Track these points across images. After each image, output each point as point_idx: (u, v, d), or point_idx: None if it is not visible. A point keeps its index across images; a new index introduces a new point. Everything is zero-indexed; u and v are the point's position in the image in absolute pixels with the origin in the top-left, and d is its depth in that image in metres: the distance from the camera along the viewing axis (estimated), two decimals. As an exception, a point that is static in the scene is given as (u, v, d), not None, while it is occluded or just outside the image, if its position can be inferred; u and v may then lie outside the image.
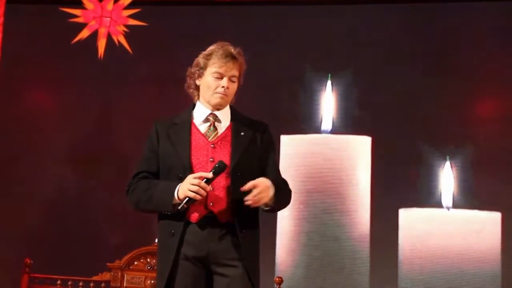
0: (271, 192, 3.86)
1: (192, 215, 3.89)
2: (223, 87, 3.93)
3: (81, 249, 6.20)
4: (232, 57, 3.95)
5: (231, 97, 4.00)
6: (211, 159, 3.90)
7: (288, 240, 5.56)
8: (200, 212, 3.89)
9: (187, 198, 3.80)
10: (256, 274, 3.93)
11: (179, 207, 3.80)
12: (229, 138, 3.96)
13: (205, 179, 3.80)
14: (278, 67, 6.29)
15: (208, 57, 3.97)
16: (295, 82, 6.22)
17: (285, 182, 4.04)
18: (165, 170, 3.95)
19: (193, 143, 3.94)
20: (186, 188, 3.80)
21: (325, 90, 5.88)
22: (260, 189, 3.83)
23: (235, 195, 3.87)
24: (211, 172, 3.82)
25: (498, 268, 5.35)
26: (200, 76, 3.99)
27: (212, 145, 3.94)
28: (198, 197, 3.79)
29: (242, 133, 3.97)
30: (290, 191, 4.07)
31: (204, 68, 3.97)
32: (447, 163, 5.64)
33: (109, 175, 6.29)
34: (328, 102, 5.83)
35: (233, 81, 3.97)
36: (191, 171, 3.87)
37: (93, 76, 6.45)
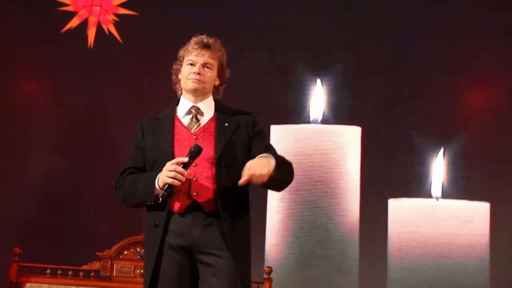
0: (271, 162, 3.81)
1: (176, 205, 3.91)
2: (194, 72, 3.96)
3: (70, 238, 6.20)
4: (203, 45, 4.02)
5: (208, 85, 4.02)
6: None
7: (277, 230, 5.57)
8: (183, 202, 3.90)
9: (166, 185, 3.81)
10: (246, 264, 3.93)
11: (160, 195, 3.82)
12: (212, 129, 3.99)
13: (182, 164, 3.82)
14: (268, 56, 6.29)
15: (184, 50, 4.05)
16: (285, 72, 6.22)
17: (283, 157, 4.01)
18: (150, 163, 3.99)
19: (176, 135, 3.97)
20: (164, 176, 3.82)
21: (315, 82, 5.89)
22: (250, 164, 3.80)
23: (220, 184, 3.88)
24: (187, 157, 3.83)
25: (487, 258, 5.38)
26: (180, 70, 4.04)
27: (195, 137, 3.97)
28: (176, 182, 3.81)
29: (226, 124, 4.00)
30: (290, 163, 4.02)
31: (182, 61, 4.05)
32: (441, 153, 5.65)
33: (99, 164, 6.28)
34: (318, 93, 5.83)
35: (209, 68, 4.00)
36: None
37: (83, 65, 6.42)
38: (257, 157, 3.88)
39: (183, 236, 3.88)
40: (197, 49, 4.00)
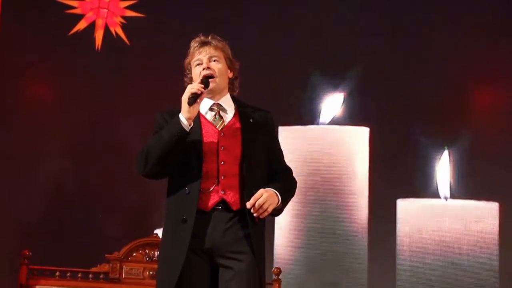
0: (275, 199, 3.89)
1: (204, 203, 3.88)
2: (204, 68, 3.96)
3: (79, 241, 6.21)
4: (202, 42, 4.02)
5: (220, 78, 3.99)
6: (222, 148, 3.91)
7: (286, 231, 5.57)
8: (212, 200, 3.88)
9: (190, 97, 3.81)
10: (264, 265, 3.93)
11: (189, 102, 3.79)
12: (237, 125, 3.98)
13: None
14: (275, 57, 6.29)
15: (188, 57, 4.06)
16: (294, 74, 6.22)
17: (288, 175, 4.06)
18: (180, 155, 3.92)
19: (204, 131, 3.94)
20: (185, 96, 3.82)
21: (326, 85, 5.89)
22: (262, 193, 3.85)
23: (248, 181, 3.88)
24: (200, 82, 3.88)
25: (496, 259, 5.37)
26: (191, 78, 4.03)
27: (222, 133, 3.95)
28: (197, 90, 3.82)
29: (251, 120, 3.99)
30: (294, 183, 4.08)
31: (190, 68, 4.04)
32: (445, 153, 5.65)
33: (107, 166, 6.29)
34: (336, 99, 5.85)
35: (216, 61, 3.99)
36: (203, 158, 3.87)
37: (90, 67, 6.44)
38: (270, 188, 3.89)
39: (206, 240, 3.87)
40: (198, 48, 4.00)
